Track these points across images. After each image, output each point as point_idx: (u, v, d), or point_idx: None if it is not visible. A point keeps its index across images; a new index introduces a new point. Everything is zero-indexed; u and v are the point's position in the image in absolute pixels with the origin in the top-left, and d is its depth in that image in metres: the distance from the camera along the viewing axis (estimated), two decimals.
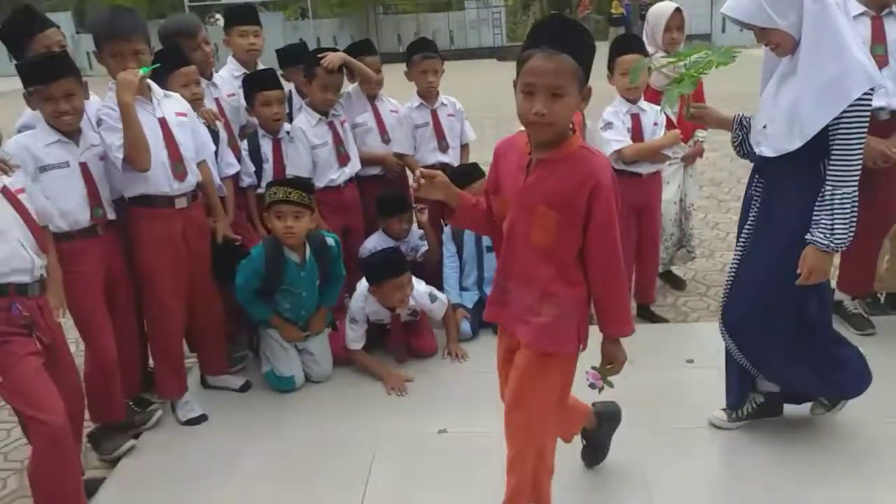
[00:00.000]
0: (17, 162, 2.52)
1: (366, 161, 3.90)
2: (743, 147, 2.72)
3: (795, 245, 2.41)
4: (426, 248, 3.94)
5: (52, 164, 2.68)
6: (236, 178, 3.56)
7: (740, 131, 2.72)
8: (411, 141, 3.95)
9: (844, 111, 2.26)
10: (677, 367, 3.32)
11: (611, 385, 2.11)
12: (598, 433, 2.57)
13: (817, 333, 2.62)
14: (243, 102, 3.67)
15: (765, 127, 2.51)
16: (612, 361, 2.09)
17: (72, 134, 2.73)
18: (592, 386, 2.09)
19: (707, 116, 2.78)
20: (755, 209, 2.60)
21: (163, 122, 2.91)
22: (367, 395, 3.26)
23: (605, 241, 1.94)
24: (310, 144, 3.61)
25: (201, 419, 3.13)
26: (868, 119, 2.30)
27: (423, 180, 2.04)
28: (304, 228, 3.22)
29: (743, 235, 2.66)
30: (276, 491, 2.64)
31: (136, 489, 2.70)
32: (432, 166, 3.71)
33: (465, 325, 3.70)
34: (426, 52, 3.89)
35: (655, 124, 3.58)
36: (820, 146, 2.34)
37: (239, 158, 3.56)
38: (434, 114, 3.96)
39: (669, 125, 3.65)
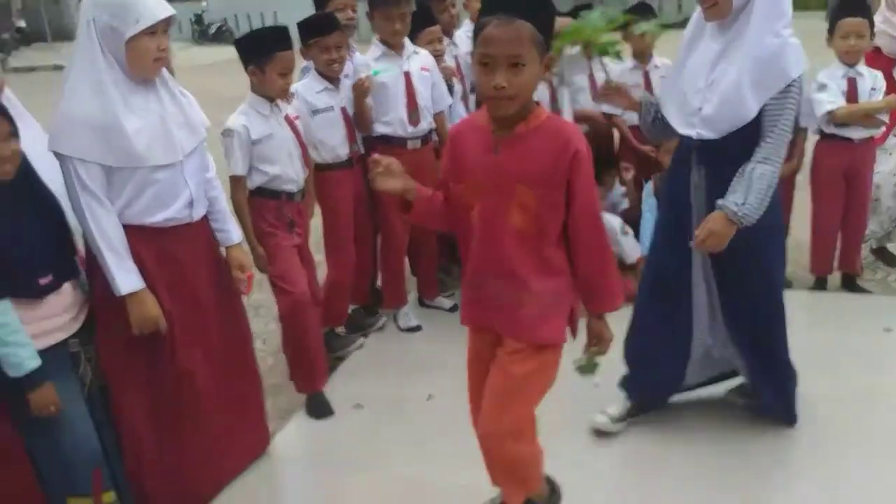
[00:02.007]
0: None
1: (577, 118, 4.20)
2: (655, 127, 2.58)
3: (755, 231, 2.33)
4: (626, 206, 4.21)
5: (321, 109, 3.27)
6: None
7: (653, 108, 2.57)
8: None
9: (781, 90, 2.23)
10: (873, 333, 3.33)
11: (593, 370, 1.99)
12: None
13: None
14: None
15: (700, 109, 2.38)
16: (598, 340, 1.96)
17: (334, 81, 3.32)
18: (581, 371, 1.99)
19: (623, 93, 2.55)
20: (700, 198, 2.44)
21: (406, 75, 3.45)
22: None
23: (589, 214, 1.83)
24: None
25: (417, 329, 3.71)
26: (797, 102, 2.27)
27: (379, 168, 1.85)
28: None
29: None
30: None
31: (362, 377, 3.30)
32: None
33: None
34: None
35: (873, 89, 3.52)
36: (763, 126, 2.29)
37: (468, 111, 4.03)
38: (647, 74, 4.16)
39: (890, 90, 3.57)
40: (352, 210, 3.42)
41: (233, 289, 2.54)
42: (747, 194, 2.25)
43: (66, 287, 2.14)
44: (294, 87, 3.26)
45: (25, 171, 2.07)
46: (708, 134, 2.34)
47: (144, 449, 2.35)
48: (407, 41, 3.51)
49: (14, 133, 2.00)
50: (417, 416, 2.95)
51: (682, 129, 2.42)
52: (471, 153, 1.87)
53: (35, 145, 2.14)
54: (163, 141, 2.20)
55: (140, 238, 2.22)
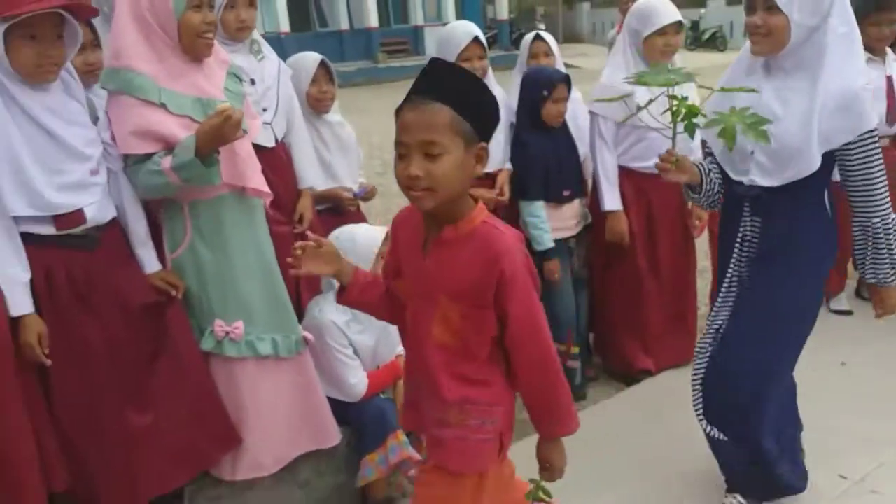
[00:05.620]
0: None
1: None
2: (711, 195, 2.32)
3: (808, 287, 2.21)
4: None
5: None
6: None
7: (715, 175, 2.31)
8: None
9: (860, 137, 2.05)
10: None
11: (543, 497, 1.75)
12: None
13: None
14: None
15: (752, 153, 2.16)
16: (548, 466, 1.73)
17: (878, 54, 3.51)
18: None
19: (686, 167, 2.21)
20: (751, 250, 2.24)
21: (889, 79, 3.56)
22: None
23: (531, 336, 1.60)
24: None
25: (847, 313, 3.91)
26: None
27: (301, 251, 1.66)
28: None
29: (733, 280, 2.28)
30: None
31: None
32: None
33: None
34: None
35: None
36: (825, 175, 2.12)
37: None
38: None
39: None
40: None
41: (688, 230, 3.32)
42: (893, 255, 2.14)
43: (576, 202, 3.19)
44: None
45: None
46: (764, 181, 2.15)
47: (608, 319, 3.39)
48: None
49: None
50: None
51: (734, 175, 2.24)
52: (406, 249, 1.70)
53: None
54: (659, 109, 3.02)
55: (626, 176, 3.17)
